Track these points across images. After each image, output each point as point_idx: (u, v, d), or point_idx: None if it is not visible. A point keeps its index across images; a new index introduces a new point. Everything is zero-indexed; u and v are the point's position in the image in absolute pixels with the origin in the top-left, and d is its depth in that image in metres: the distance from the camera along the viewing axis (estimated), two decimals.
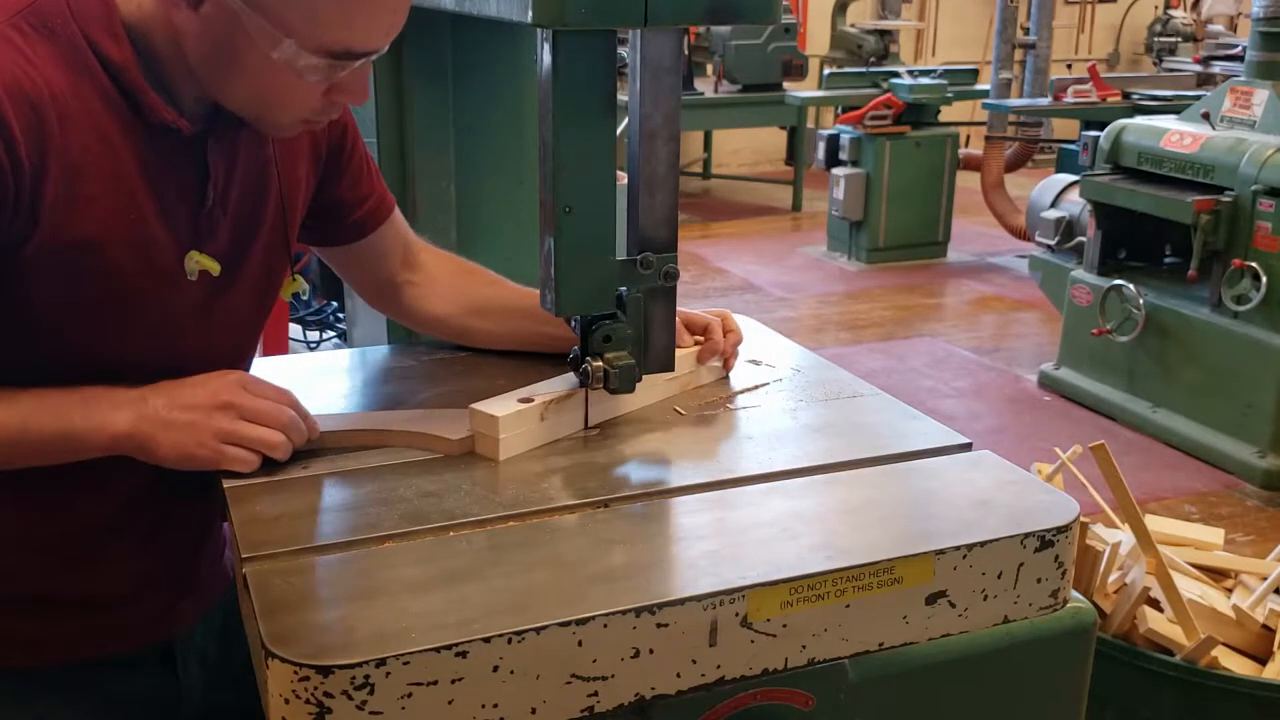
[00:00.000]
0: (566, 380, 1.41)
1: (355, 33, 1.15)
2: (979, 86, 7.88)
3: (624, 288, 1.32)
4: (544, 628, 0.98)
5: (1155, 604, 2.18)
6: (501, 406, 1.34)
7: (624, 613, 1.01)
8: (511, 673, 0.98)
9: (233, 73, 1.18)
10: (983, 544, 1.15)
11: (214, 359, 1.31)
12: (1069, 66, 10.28)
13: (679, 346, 1.48)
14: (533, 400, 1.36)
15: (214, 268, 1.28)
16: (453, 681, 0.96)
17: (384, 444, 1.35)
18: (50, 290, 1.18)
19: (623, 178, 1.31)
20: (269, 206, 1.36)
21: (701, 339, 1.56)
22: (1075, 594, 1.36)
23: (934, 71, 7.82)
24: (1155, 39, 11.16)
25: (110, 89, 1.17)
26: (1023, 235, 6.61)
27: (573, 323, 1.35)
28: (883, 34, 9.59)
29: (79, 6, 1.16)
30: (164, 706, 1.40)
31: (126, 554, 1.33)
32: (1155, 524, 2.34)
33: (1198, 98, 5.18)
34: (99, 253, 1.18)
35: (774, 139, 10.85)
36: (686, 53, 8.46)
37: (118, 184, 1.18)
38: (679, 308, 1.45)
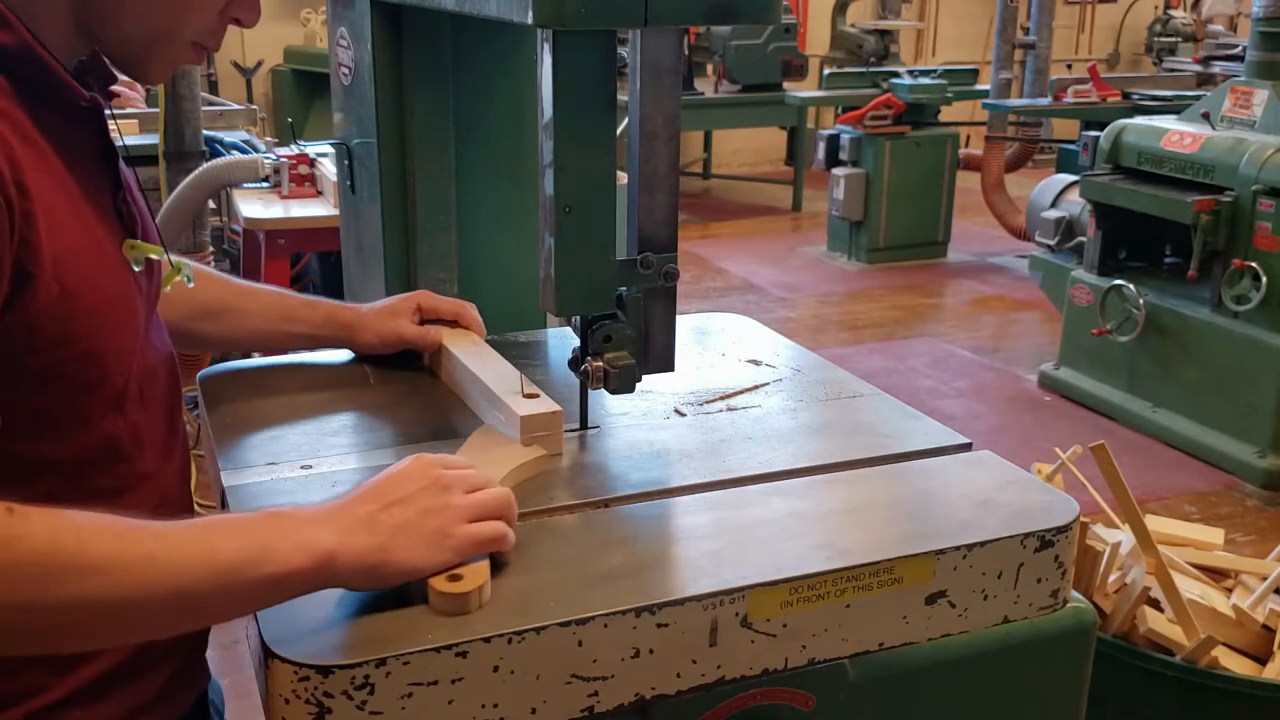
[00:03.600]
0: (501, 364, 1.45)
1: None
2: (979, 86, 7.88)
3: (624, 288, 1.32)
4: (544, 628, 0.98)
5: (1155, 604, 2.18)
6: (538, 404, 1.34)
7: (624, 613, 1.01)
8: (511, 673, 0.98)
9: None
10: (983, 544, 1.15)
11: (171, 363, 1.21)
12: (1069, 66, 10.28)
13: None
14: (537, 393, 1.37)
15: (157, 251, 1.15)
16: (453, 681, 0.96)
17: None
18: (51, 329, 0.99)
19: (623, 178, 1.31)
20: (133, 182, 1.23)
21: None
22: (1075, 594, 1.36)
23: (934, 71, 7.82)
24: (1155, 39, 11.16)
25: (3, 81, 0.99)
26: (1023, 235, 6.62)
27: (573, 323, 1.35)
28: (883, 34, 9.60)
29: None
30: None
31: None
32: (1155, 524, 2.34)
33: (1198, 98, 5.19)
34: (66, 269, 1.00)
35: (774, 139, 10.85)
36: (686, 53, 8.46)
37: (56, 184, 1.02)
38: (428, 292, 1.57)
